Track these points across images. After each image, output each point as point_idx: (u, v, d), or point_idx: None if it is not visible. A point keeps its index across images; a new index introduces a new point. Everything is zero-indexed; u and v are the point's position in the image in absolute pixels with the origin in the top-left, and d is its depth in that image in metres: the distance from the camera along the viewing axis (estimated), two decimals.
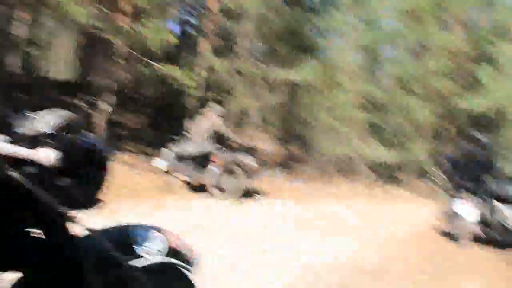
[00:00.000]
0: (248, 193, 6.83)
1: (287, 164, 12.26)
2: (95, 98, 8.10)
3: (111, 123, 8.30)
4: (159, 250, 1.14)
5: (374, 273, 3.83)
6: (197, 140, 6.38)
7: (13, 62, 10.43)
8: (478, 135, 5.82)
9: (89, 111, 7.92)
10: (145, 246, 1.12)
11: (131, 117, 10.43)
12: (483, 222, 5.05)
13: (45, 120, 0.97)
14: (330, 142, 12.39)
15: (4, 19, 10.43)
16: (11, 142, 0.91)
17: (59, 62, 16.27)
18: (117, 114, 9.14)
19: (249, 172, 6.61)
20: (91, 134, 1.14)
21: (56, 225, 0.96)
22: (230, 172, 6.46)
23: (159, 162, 6.27)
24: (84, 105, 7.98)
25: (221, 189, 6.38)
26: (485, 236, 5.17)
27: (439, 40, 17.93)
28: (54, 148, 0.96)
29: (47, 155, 0.93)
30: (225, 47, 12.42)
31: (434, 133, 22.67)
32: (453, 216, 5.12)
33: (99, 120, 7.86)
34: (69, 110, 1.14)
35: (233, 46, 12.96)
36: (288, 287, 3.14)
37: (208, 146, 6.37)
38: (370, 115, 13.06)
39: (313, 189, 9.70)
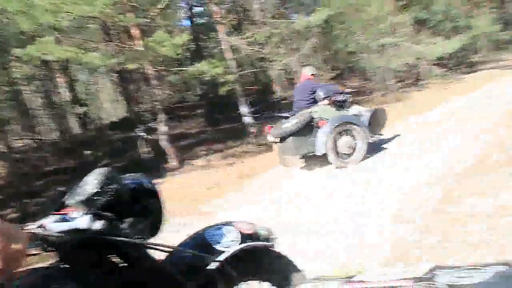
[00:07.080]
0: None
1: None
2: (149, 124, 8.37)
3: (173, 137, 8.46)
4: (233, 240, 1.24)
5: None
6: None
7: (68, 124, 11.26)
8: None
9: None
10: (222, 241, 1.23)
11: (187, 124, 10.73)
12: None
13: (89, 182, 1.03)
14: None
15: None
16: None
17: (106, 106, 17.41)
18: (173, 128, 9.37)
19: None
20: (134, 174, 1.20)
21: (138, 257, 1.07)
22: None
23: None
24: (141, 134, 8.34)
25: None
26: None
27: None
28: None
29: (89, 222, 0.97)
30: (241, 18, 11.97)
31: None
32: None
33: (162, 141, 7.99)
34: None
35: (248, 12, 12.48)
36: None
37: None
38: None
39: None
